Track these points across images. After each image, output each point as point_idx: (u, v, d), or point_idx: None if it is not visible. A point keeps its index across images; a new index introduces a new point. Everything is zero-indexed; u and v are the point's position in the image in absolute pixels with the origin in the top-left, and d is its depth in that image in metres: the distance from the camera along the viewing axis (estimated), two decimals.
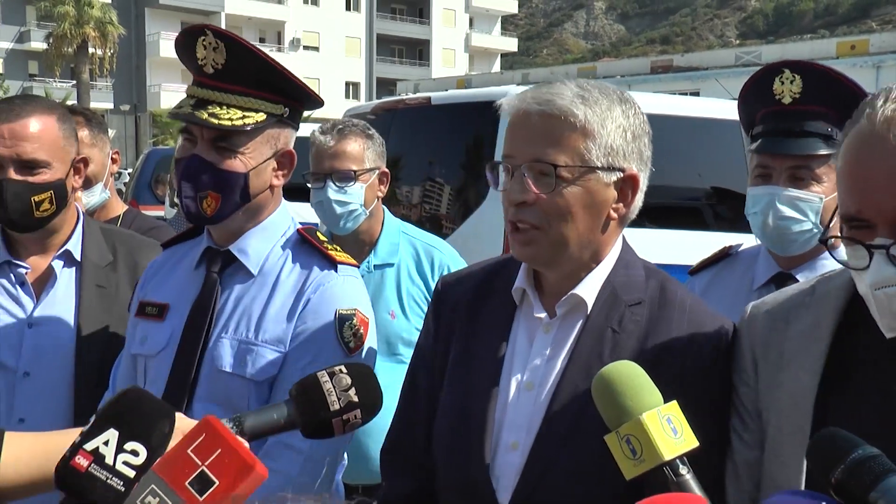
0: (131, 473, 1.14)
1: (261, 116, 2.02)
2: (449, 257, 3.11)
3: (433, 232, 3.49)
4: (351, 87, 70.44)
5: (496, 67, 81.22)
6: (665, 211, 5.57)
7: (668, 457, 1.19)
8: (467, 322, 1.81)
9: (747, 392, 1.65)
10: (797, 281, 2.29)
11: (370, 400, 1.32)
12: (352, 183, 3.01)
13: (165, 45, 58.24)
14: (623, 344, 1.63)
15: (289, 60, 65.42)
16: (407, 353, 2.97)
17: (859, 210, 1.37)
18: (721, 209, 5.97)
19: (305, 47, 67.97)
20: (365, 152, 3.06)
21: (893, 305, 1.36)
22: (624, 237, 1.76)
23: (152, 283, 2.20)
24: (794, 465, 1.49)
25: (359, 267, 3.04)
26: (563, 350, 1.67)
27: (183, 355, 2.05)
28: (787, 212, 2.32)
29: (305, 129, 9.83)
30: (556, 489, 1.60)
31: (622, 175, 1.64)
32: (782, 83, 2.36)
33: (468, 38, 78.73)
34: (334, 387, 1.29)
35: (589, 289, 1.68)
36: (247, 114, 1.99)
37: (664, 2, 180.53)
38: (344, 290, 2.11)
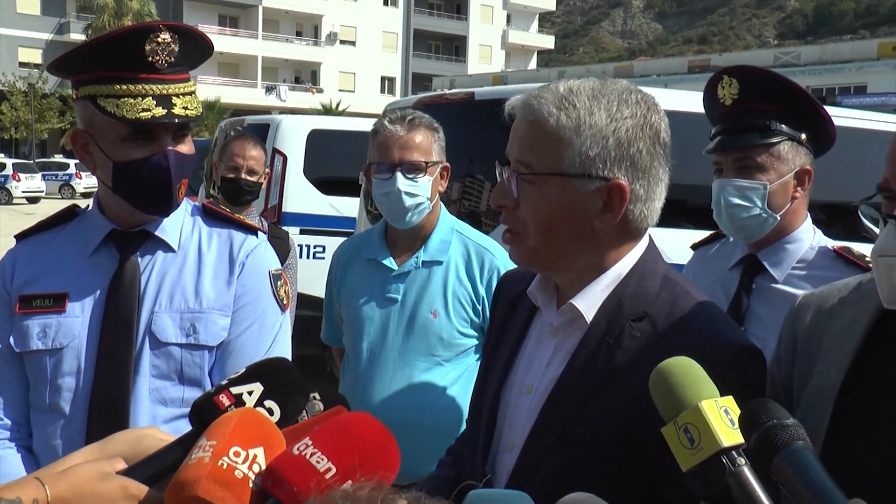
0: None
1: (197, 96, 2.10)
2: (501, 260, 2.99)
3: None
4: (387, 81, 70.79)
5: (532, 65, 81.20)
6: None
7: (726, 443, 1.17)
8: (502, 320, 1.84)
9: (776, 372, 1.74)
10: (762, 264, 2.61)
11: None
12: (421, 174, 2.93)
13: None
14: (618, 359, 1.57)
15: (325, 55, 65.83)
16: (445, 355, 2.93)
17: (887, 181, 1.47)
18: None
19: (342, 41, 68.35)
20: (432, 145, 2.97)
21: (893, 276, 1.42)
22: (651, 245, 1.69)
23: (27, 275, 2.11)
24: None
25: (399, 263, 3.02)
26: (563, 358, 1.65)
27: (115, 338, 2.01)
28: (735, 199, 2.55)
29: (341, 123, 9.72)
30: (541, 491, 1.58)
31: (605, 184, 1.56)
32: (723, 88, 2.61)
33: (505, 35, 78.78)
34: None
35: (588, 300, 1.63)
36: (193, 97, 2.05)
37: (702, 1, 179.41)
38: (269, 252, 2.21)
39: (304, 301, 5.15)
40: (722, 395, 1.27)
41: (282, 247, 4.55)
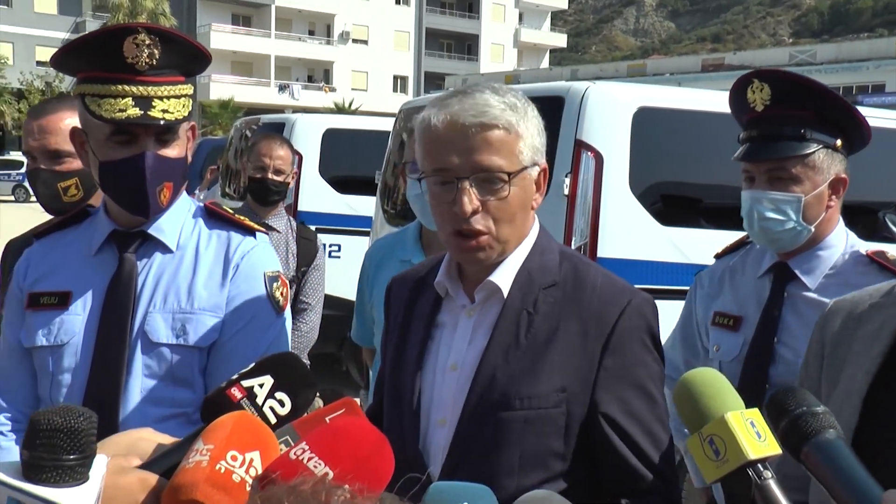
0: (273, 419, 1.21)
1: (189, 100, 2.09)
2: None
3: None
4: (399, 80, 70.79)
5: (545, 63, 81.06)
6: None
7: (752, 456, 1.15)
8: (404, 315, 1.94)
9: (804, 379, 1.73)
10: (793, 271, 2.52)
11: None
12: None
13: (216, 36, 59.02)
14: (538, 325, 1.72)
15: (337, 54, 65.87)
16: None
17: None
18: None
19: (354, 41, 68.34)
20: None
21: None
22: (539, 222, 1.86)
23: (38, 273, 2.15)
24: None
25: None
26: (484, 333, 1.77)
27: (110, 337, 2.04)
28: (769, 213, 2.45)
29: (355, 122, 9.68)
30: (480, 461, 1.70)
31: (539, 169, 1.77)
32: (753, 92, 2.49)
33: (517, 34, 78.62)
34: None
35: (504, 275, 1.77)
36: (181, 100, 2.04)
37: None
38: (266, 254, 2.20)
39: None
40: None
41: (310, 248, 4.53)
